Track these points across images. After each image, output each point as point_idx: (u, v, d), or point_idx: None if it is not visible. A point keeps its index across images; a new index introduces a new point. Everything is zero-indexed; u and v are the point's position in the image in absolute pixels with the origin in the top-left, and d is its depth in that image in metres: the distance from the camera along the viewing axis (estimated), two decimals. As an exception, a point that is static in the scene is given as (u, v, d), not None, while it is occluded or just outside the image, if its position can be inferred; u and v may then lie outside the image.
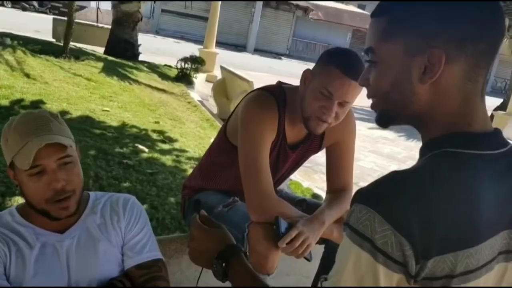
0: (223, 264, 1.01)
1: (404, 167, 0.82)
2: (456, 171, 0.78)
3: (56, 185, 1.15)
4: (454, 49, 0.78)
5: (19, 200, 2.83)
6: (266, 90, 1.65)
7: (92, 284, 1.22)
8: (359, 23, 27.67)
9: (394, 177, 0.77)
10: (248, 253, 1.47)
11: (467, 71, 0.79)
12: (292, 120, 1.65)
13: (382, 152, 7.59)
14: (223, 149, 1.78)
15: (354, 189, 0.79)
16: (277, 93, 1.64)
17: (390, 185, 0.76)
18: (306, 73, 1.58)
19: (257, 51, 26.27)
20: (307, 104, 1.56)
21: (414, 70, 0.81)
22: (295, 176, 4.87)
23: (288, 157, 1.76)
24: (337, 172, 1.79)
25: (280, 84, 1.70)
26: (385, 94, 0.86)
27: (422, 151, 0.85)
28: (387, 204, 0.74)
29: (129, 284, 1.25)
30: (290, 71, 15.64)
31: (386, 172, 0.80)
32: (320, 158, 1.87)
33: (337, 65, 1.49)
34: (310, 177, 5.18)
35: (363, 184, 0.81)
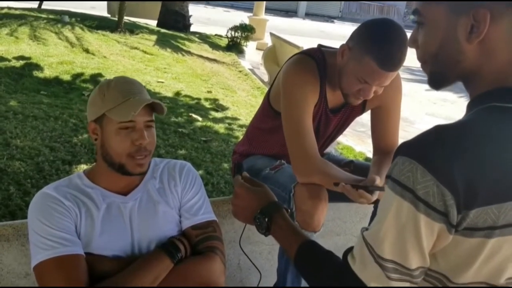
0: (266, 219, 1.07)
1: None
2: (502, 124, 0.78)
3: (142, 142, 1.26)
4: (500, 6, 0.77)
5: (84, 167, 3.03)
6: (306, 54, 1.65)
7: (153, 242, 1.32)
8: (416, -21, 26.18)
9: (437, 130, 0.78)
10: (293, 211, 1.52)
11: None
12: (333, 84, 1.65)
13: (440, 114, 7.33)
14: (267, 116, 1.81)
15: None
16: (317, 56, 1.63)
17: (434, 137, 0.77)
18: (343, 47, 1.55)
19: (308, 15, 25.67)
20: (344, 83, 1.56)
21: (460, 30, 0.81)
22: (347, 140, 4.84)
23: (330, 121, 1.76)
24: (383, 134, 1.78)
25: (320, 47, 1.69)
26: (433, 55, 0.86)
27: (469, 107, 0.85)
28: (430, 156, 0.75)
29: (187, 242, 1.34)
30: (343, 35, 15.20)
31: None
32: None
33: (374, 57, 1.44)
34: (364, 142, 5.12)
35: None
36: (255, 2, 11.93)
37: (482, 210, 0.75)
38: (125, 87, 1.29)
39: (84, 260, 1.21)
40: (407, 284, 0.80)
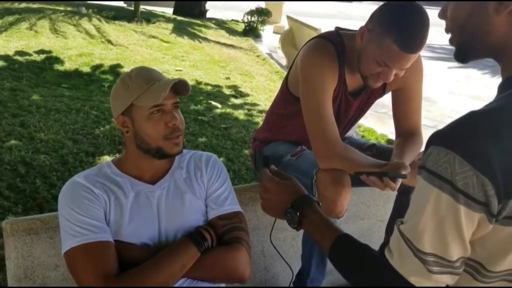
0: (297, 213, 1.05)
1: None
2: None
3: (175, 121, 1.28)
4: None
5: (107, 158, 3.07)
6: (324, 37, 1.62)
7: (180, 231, 1.33)
8: (435, -46, 25.46)
9: (473, 116, 0.75)
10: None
11: None
12: (352, 68, 1.62)
13: (463, 92, 7.15)
14: (286, 101, 1.79)
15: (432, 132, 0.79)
16: (335, 40, 1.60)
17: (469, 125, 0.74)
18: (362, 29, 1.51)
19: (325, -4, 25.25)
20: (364, 67, 1.53)
21: (490, 1, 0.79)
22: (369, 122, 4.78)
23: (350, 105, 1.73)
24: (405, 117, 1.74)
25: (337, 30, 1.66)
26: (461, 25, 0.85)
27: (502, 88, 0.82)
28: (467, 145, 0.72)
29: (213, 232, 1.35)
30: (361, 15, 14.95)
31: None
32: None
33: (395, 39, 1.40)
34: (385, 123, 5.04)
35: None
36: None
37: None
38: (147, 74, 1.31)
39: (114, 247, 1.23)
40: (449, 276, 0.78)
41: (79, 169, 2.90)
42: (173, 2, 11.41)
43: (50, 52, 5.91)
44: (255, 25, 9.89)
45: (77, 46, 6.39)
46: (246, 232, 1.39)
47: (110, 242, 1.23)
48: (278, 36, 8.86)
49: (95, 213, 1.24)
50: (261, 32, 9.94)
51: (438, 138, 0.76)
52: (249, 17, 9.86)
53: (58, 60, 5.67)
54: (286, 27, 8.67)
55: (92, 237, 1.20)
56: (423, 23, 1.40)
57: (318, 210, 1.05)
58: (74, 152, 3.15)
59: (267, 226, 1.41)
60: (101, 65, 5.73)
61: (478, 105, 0.80)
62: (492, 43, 0.82)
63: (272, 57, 7.93)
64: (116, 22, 8.29)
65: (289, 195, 1.09)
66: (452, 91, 7.16)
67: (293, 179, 1.14)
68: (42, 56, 5.73)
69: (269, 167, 1.20)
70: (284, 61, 7.85)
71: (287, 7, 11.80)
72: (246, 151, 3.55)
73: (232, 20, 11.35)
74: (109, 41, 6.89)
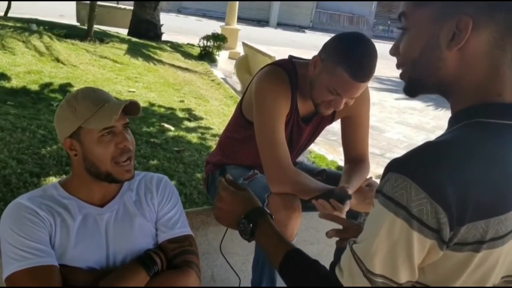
0: (251, 224, 1.06)
1: (432, 137, 0.84)
2: (489, 140, 0.80)
3: (126, 143, 1.26)
4: (483, 16, 0.79)
5: (53, 180, 2.96)
6: (278, 65, 1.67)
7: (129, 255, 1.31)
8: (384, -9, 26.87)
9: (429, 147, 0.79)
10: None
11: (497, 39, 0.80)
12: (303, 95, 1.68)
13: (409, 122, 7.48)
14: (240, 126, 1.83)
15: (380, 160, 0.81)
16: (288, 67, 1.66)
17: (426, 154, 0.78)
18: (315, 58, 1.59)
19: (280, 25, 25.94)
20: (316, 94, 1.60)
21: (442, 36, 0.82)
22: (320, 149, 4.89)
23: (302, 131, 1.79)
24: (354, 144, 1.82)
25: (291, 58, 1.72)
26: (413, 61, 0.87)
27: (452, 121, 0.86)
28: (424, 173, 0.75)
29: (163, 255, 1.33)
30: (314, 44, 15.43)
31: (413, 142, 0.81)
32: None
33: (346, 68, 1.48)
34: (335, 150, 5.18)
35: (390, 155, 0.82)
36: (227, 12, 11.97)
37: (472, 226, 0.76)
38: (95, 96, 1.29)
39: (58, 271, 1.19)
40: None
41: (23, 190, 2.78)
42: (128, 24, 11.31)
43: (-4, 68, 5.69)
44: (210, 50, 9.97)
45: (26, 63, 6.18)
46: (196, 256, 1.38)
47: (54, 266, 1.19)
48: (233, 62, 8.97)
49: (39, 236, 1.20)
50: (216, 57, 10.02)
51: (396, 165, 0.78)
52: (205, 41, 9.93)
53: (4, 77, 5.45)
54: (241, 53, 8.81)
55: (36, 261, 1.16)
56: (372, 54, 1.49)
57: (271, 223, 1.06)
58: (18, 172, 3.01)
59: (217, 250, 1.41)
60: (50, 84, 5.55)
61: (422, 135, 0.85)
62: (442, 79, 0.85)
63: (227, 82, 8.00)
64: (68, 40, 8.09)
65: (243, 205, 1.10)
66: (398, 121, 7.48)
67: (248, 190, 1.15)
68: (-13, 72, 5.50)
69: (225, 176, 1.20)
70: (238, 86, 7.94)
71: (243, 34, 12.00)
72: (199, 175, 3.53)
73: (187, 44, 11.38)
74: (59, 60, 6.71)
